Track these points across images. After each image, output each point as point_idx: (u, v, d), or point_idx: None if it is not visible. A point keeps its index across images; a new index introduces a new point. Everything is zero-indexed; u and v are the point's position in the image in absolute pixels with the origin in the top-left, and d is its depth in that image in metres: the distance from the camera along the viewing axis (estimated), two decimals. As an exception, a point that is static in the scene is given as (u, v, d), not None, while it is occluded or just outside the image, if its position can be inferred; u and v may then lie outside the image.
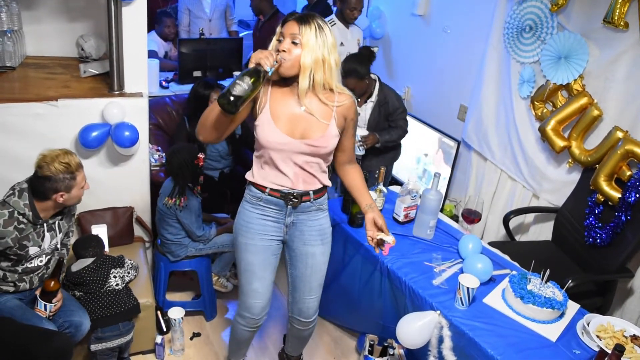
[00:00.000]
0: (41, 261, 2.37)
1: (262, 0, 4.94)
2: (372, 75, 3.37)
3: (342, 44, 4.00)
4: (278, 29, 2.04)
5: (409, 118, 3.54)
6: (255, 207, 2.21)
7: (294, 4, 6.45)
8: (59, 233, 2.41)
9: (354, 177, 2.29)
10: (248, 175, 2.23)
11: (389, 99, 3.39)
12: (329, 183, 2.23)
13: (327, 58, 2.00)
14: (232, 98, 1.80)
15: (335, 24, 4.01)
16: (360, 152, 3.35)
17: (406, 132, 3.50)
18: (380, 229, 2.17)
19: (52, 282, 2.29)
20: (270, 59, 1.92)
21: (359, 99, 3.28)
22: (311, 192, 2.18)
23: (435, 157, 4.09)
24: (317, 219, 2.26)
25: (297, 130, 2.07)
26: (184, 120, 3.50)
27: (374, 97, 3.39)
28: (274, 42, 2.05)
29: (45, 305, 2.29)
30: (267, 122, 2.07)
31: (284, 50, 1.97)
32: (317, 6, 4.93)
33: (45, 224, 2.32)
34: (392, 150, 3.57)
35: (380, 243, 2.17)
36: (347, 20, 4.03)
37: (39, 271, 2.39)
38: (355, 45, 4.13)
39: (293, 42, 1.97)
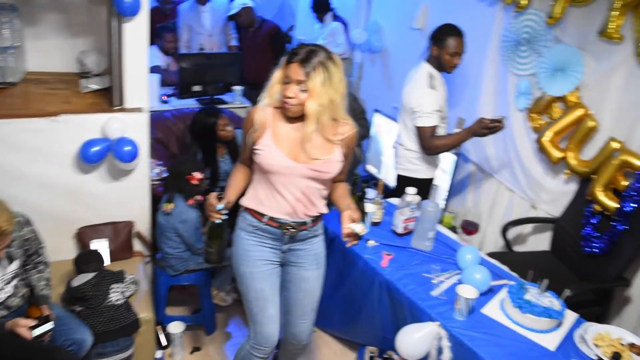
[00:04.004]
0: (7, 292, 2.29)
1: (250, 15, 5.00)
2: None
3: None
4: (282, 69, 2.01)
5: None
6: (251, 235, 2.19)
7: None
8: (11, 263, 2.30)
9: (339, 187, 2.26)
10: (244, 202, 2.19)
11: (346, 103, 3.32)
12: (326, 210, 2.22)
13: (334, 98, 1.98)
14: (214, 258, 2.20)
15: (434, 79, 3.14)
16: None
17: (368, 131, 3.42)
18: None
19: (33, 310, 2.25)
20: (216, 215, 2.02)
21: None
22: (309, 221, 2.17)
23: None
24: (313, 244, 2.25)
25: (301, 155, 2.06)
26: (195, 143, 3.48)
27: None
28: (278, 79, 2.02)
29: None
30: (269, 146, 2.05)
31: (291, 97, 1.96)
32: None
33: None
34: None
35: (352, 235, 2.04)
36: (446, 69, 3.17)
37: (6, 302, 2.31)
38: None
39: (300, 90, 1.95)
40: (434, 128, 3.08)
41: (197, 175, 2.87)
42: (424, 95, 3.07)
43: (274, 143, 2.05)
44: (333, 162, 2.09)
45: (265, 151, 2.05)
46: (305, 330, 2.37)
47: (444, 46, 3.06)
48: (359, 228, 2.01)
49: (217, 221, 2.04)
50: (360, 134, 3.37)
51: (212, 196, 2.02)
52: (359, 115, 3.42)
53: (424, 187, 3.19)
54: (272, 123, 2.08)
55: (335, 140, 2.08)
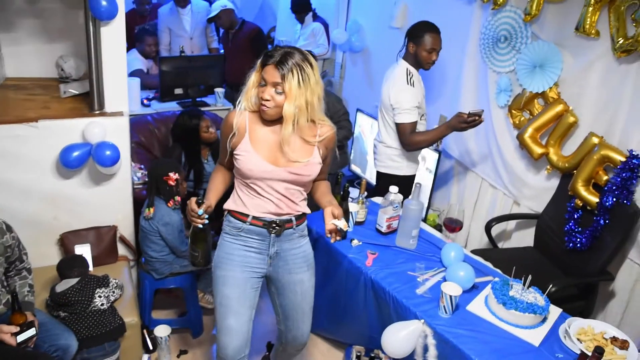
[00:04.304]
0: None
1: (230, 17, 4.99)
2: None
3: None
4: (257, 72, 2.00)
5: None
6: (236, 238, 2.17)
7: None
8: None
9: (321, 185, 2.26)
10: (228, 205, 2.18)
11: (328, 103, 3.30)
12: (308, 210, 2.22)
13: (311, 99, 1.97)
14: (200, 261, 2.17)
15: (412, 76, 3.17)
16: None
17: (350, 132, 3.42)
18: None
19: (17, 316, 2.22)
20: (197, 220, 2.00)
21: None
22: (293, 219, 2.17)
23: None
24: (301, 246, 2.25)
25: (280, 158, 2.05)
26: (177, 145, 3.47)
27: None
28: (254, 83, 2.01)
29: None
30: (248, 151, 2.04)
31: (267, 99, 1.95)
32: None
33: None
34: (339, 150, 3.25)
35: (335, 230, 2.03)
36: (423, 66, 3.20)
37: None
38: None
39: (276, 92, 1.95)
40: (413, 124, 3.11)
41: (173, 176, 2.85)
42: (403, 92, 3.09)
43: (252, 148, 2.05)
44: (312, 164, 2.09)
45: (244, 156, 2.05)
46: (306, 331, 2.38)
47: (421, 43, 3.11)
48: (342, 224, 2.02)
49: (199, 226, 2.04)
50: (342, 135, 3.38)
51: (192, 201, 2.00)
52: (342, 116, 3.43)
53: (405, 184, 3.22)
54: (249, 127, 2.07)
55: (313, 142, 2.08)
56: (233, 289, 2.16)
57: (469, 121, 2.95)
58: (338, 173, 2.81)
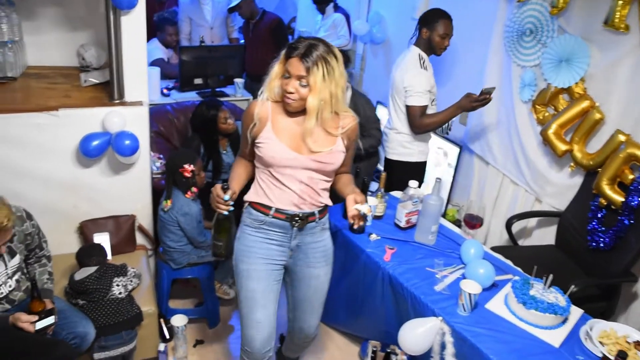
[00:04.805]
0: (10, 286, 2.30)
1: (251, 7, 4.97)
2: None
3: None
4: (281, 63, 1.97)
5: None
6: (257, 231, 2.15)
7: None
8: (13, 257, 2.29)
9: (343, 177, 2.24)
10: (249, 197, 2.16)
11: (360, 109, 3.25)
12: (330, 202, 2.19)
13: (335, 92, 1.95)
14: (222, 252, 2.13)
15: (424, 60, 3.22)
16: None
17: (379, 142, 3.39)
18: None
19: (36, 304, 2.24)
20: (222, 206, 1.97)
21: None
22: (316, 212, 2.15)
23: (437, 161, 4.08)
24: (322, 240, 2.23)
25: (303, 147, 2.03)
26: (196, 135, 3.47)
27: None
28: (277, 74, 1.99)
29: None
30: (271, 138, 2.03)
31: (291, 92, 1.94)
32: None
33: None
34: (366, 159, 3.33)
35: (357, 216, 2.01)
36: (436, 52, 3.24)
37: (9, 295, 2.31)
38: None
39: (300, 85, 1.93)
40: (424, 108, 3.17)
41: (188, 167, 2.84)
42: (417, 76, 3.16)
43: (275, 135, 2.03)
44: (336, 152, 2.07)
45: (266, 144, 2.03)
46: (313, 325, 2.37)
47: (434, 29, 3.17)
48: (365, 208, 2.01)
49: (225, 213, 2.01)
50: (369, 144, 3.32)
51: (217, 188, 1.98)
52: (373, 125, 3.36)
53: (417, 170, 3.32)
54: (272, 117, 2.05)
55: (336, 134, 2.06)
56: (258, 283, 2.16)
57: (480, 99, 3.00)
58: (358, 167, 2.75)
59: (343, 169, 2.20)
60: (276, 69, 2.00)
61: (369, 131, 3.33)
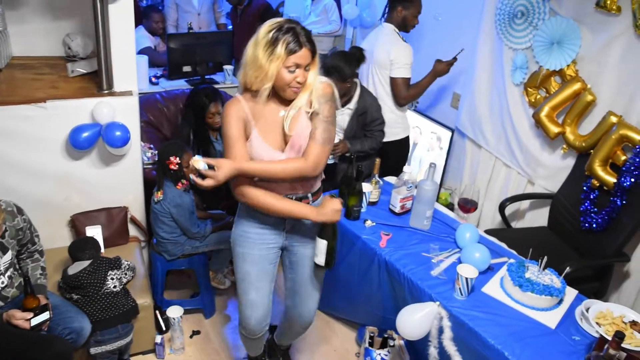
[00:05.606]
0: (2, 283, 2.27)
1: None
2: (355, 80, 3.20)
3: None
4: (280, 60, 1.85)
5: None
6: (252, 218, 2.18)
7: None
8: (4, 254, 2.25)
9: None
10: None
11: (368, 109, 3.23)
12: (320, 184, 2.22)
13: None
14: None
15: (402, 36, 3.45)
16: (331, 160, 3.20)
17: (380, 143, 3.34)
18: None
19: (30, 300, 2.21)
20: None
21: None
22: (309, 195, 2.15)
23: (429, 145, 4.08)
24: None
25: (282, 139, 2.04)
26: (185, 123, 3.42)
27: (352, 104, 3.22)
28: (278, 71, 1.88)
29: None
30: (256, 139, 2.01)
31: (302, 82, 1.93)
32: None
33: None
34: (367, 158, 3.30)
35: (193, 170, 1.89)
36: (407, 29, 3.49)
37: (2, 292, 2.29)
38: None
39: (305, 69, 1.93)
40: (409, 79, 3.35)
41: (174, 160, 2.81)
42: (403, 49, 3.34)
43: (260, 135, 2.02)
44: (302, 132, 2.01)
45: (253, 147, 2.02)
46: (312, 308, 2.39)
47: (410, 7, 3.38)
48: (200, 164, 1.86)
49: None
50: (369, 145, 3.28)
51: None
52: (377, 127, 3.30)
53: (404, 146, 3.55)
54: (251, 114, 2.01)
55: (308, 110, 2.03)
56: (252, 266, 2.23)
57: (450, 61, 3.42)
58: (360, 165, 2.72)
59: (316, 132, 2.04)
60: (274, 65, 1.87)
61: (372, 132, 3.31)
